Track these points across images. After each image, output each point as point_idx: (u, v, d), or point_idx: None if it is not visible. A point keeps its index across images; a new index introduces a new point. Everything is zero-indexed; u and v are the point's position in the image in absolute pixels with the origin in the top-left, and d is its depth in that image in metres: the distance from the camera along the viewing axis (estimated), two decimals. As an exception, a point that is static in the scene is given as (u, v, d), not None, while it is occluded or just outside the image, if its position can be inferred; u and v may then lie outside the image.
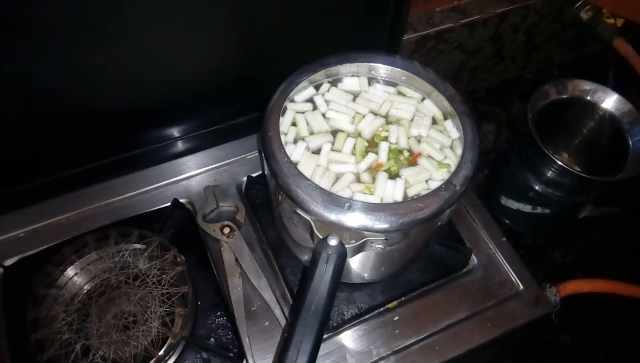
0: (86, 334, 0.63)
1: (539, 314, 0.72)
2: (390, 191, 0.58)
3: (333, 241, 0.51)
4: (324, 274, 0.50)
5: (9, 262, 0.72)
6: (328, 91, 0.67)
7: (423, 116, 0.65)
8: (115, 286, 0.67)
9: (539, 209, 0.91)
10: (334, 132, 0.64)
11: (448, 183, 0.55)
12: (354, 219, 0.52)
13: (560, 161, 0.83)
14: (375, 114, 0.66)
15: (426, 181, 0.59)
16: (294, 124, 0.64)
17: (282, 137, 0.59)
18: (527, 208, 0.91)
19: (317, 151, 0.62)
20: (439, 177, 0.60)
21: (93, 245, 0.68)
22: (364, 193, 0.58)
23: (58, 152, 0.75)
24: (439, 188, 0.55)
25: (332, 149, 0.62)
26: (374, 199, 0.57)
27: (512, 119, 1.04)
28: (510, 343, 0.76)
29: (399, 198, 0.57)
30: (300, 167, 0.58)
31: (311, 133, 0.63)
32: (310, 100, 0.66)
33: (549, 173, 0.88)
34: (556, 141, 0.91)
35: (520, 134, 1.01)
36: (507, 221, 0.89)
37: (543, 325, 0.76)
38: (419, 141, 0.63)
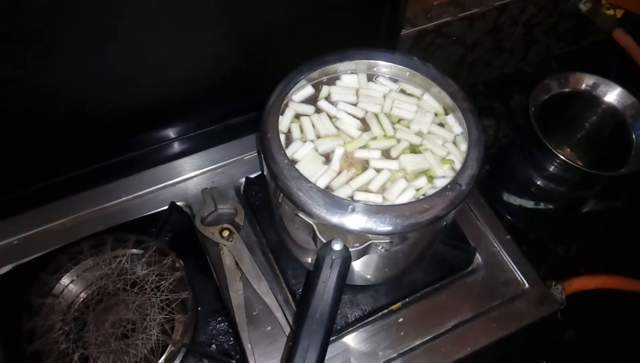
0: (84, 343, 0.62)
1: (545, 313, 0.71)
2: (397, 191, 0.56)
3: (337, 246, 0.49)
4: (329, 279, 0.49)
5: (2, 271, 0.71)
6: (329, 95, 0.64)
7: (425, 112, 0.63)
8: (113, 294, 0.65)
9: (541, 205, 0.90)
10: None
11: (454, 182, 0.53)
12: (357, 222, 0.50)
13: (562, 155, 0.82)
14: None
15: (431, 181, 0.57)
16: (293, 123, 0.62)
17: (282, 137, 0.58)
18: (529, 203, 0.90)
19: (324, 154, 0.60)
20: (441, 173, 0.58)
21: (89, 251, 0.67)
22: (365, 191, 0.56)
23: (51, 157, 0.73)
24: (444, 188, 0.53)
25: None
26: (376, 198, 0.56)
27: (512, 113, 1.03)
28: (516, 342, 0.75)
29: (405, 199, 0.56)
30: (300, 167, 0.56)
31: (318, 137, 0.61)
32: (311, 101, 0.64)
33: (552, 168, 0.86)
34: (558, 136, 0.90)
35: (522, 128, 1.00)
36: (509, 217, 0.88)
37: (548, 322, 0.75)
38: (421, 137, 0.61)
